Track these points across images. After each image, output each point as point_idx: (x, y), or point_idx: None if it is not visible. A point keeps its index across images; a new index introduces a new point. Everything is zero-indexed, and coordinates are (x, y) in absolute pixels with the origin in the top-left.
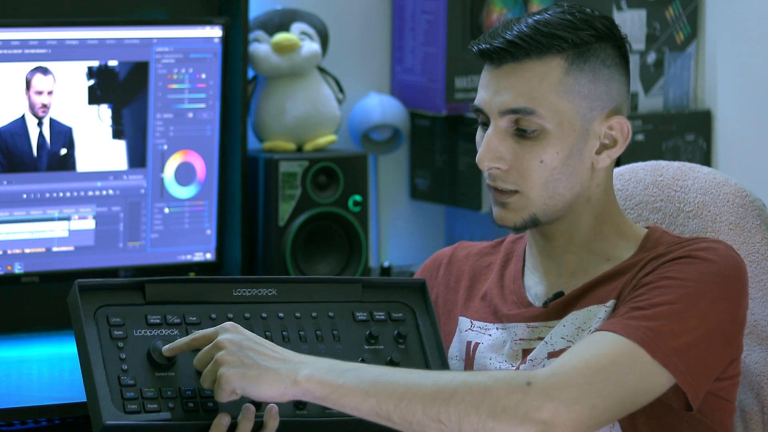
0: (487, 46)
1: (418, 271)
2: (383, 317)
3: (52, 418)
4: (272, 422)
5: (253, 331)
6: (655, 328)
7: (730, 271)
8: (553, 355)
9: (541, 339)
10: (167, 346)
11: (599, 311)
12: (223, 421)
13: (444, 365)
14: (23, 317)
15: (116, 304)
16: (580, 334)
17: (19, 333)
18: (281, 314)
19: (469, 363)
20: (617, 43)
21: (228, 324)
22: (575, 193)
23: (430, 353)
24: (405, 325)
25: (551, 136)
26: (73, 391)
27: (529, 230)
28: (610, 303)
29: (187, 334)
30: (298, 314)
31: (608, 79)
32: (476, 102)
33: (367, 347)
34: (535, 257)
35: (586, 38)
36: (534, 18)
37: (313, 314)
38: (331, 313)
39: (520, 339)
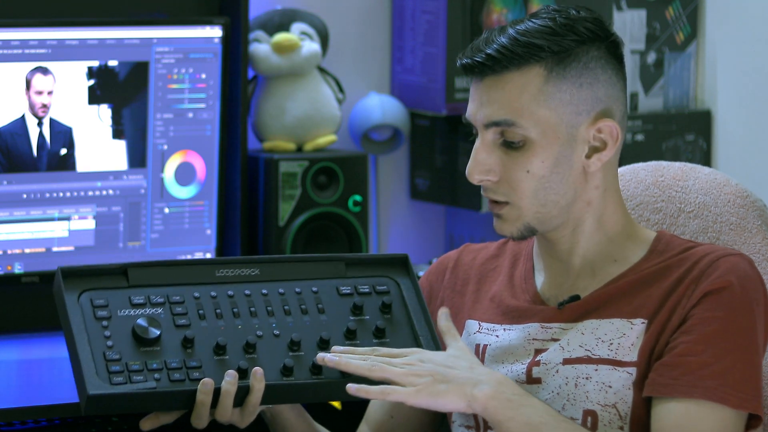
0: (469, 60)
1: (423, 275)
2: (368, 290)
3: (52, 418)
4: (258, 385)
5: (237, 308)
6: (733, 384)
7: (762, 293)
8: (569, 362)
9: (555, 340)
10: (333, 354)
11: (624, 327)
12: (207, 386)
13: (432, 335)
14: (23, 317)
15: (100, 288)
16: (599, 345)
17: (19, 333)
18: (265, 291)
19: None
20: (604, 43)
21: (414, 349)
22: (570, 199)
23: (417, 323)
24: (390, 296)
25: (536, 145)
26: (73, 391)
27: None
28: (638, 322)
29: (172, 313)
30: (281, 290)
31: (593, 82)
32: (466, 115)
33: (352, 318)
34: (542, 259)
35: (566, 44)
36: (515, 28)
37: (297, 290)
38: (314, 288)
39: (533, 338)
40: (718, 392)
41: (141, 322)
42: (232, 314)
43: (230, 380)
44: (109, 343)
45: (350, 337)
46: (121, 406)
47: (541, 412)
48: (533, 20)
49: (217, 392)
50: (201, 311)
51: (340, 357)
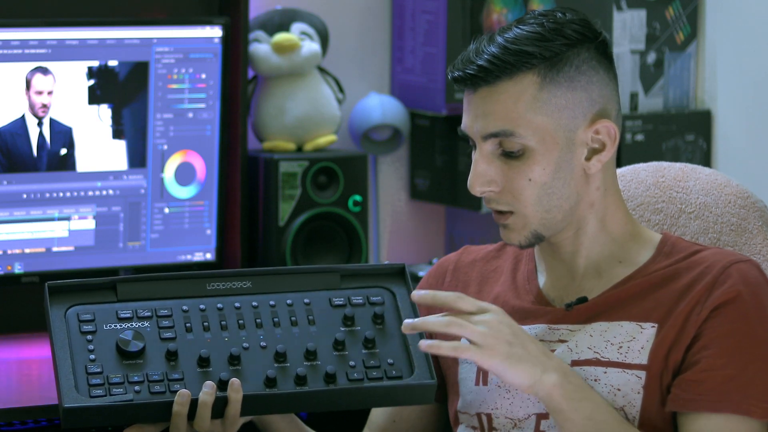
0: (461, 73)
1: (423, 279)
2: (361, 301)
3: (52, 418)
4: (235, 395)
5: (225, 321)
6: (756, 395)
7: None
8: (577, 363)
9: (563, 342)
10: (410, 321)
11: (635, 331)
12: (183, 397)
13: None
14: (23, 317)
15: (88, 303)
16: (608, 347)
17: (19, 333)
18: (255, 303)
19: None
20: (593, 44)
21: (495, 307)
22: (573, 202)
23: (409, 335)
24: (383, 306)
25: (536, 153)
26: None
27: None
28: (649, 326)
29: (158, 327)
30: (272, 302)
31: (586, 84)
32: (461, 127)
33: (342, 328)
34: (545, 261)
35: (557, 48)
36: (504, 36)
37: (288, 302)
38: (306, 300)
39: (540, 339)
40: (743, 404)
41: (124, 335)
42: (220, 327)
43: (207, 391)
44: (92, 356)
45: (338, 347)
46: (98, 419)
47: (603, 410)
48: (521, 27)
49: (194, 403)
50: (188, 324)
51: (417, 319)
